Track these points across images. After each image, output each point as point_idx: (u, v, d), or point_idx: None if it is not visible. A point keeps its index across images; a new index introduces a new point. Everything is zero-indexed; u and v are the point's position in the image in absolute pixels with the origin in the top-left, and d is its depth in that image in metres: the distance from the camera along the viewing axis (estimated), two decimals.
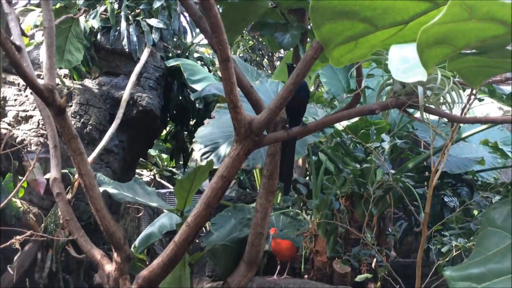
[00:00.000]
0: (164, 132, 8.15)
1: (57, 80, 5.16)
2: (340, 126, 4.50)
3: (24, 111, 5.65)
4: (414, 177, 4.74)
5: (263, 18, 3.84)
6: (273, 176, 3.69)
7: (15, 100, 5.68)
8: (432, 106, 2.39)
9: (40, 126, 5.51)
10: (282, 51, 9.45)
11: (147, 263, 4.45)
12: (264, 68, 11.99)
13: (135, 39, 6.16)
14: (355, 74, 3.52)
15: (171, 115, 7.24)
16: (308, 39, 3.92)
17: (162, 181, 10.57)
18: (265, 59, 12.36)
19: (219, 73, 6.61)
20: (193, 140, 4.88)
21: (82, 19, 5.70)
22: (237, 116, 2.92)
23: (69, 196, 4.55)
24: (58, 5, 5.42)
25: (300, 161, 6.35)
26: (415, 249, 5.46)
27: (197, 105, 7.12)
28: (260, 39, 9.57)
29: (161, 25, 6.38)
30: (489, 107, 5.28)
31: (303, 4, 3.76)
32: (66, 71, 6.01)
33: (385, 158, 4.20)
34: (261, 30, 3.73)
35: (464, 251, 3.56)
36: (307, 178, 6.22)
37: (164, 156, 10.64)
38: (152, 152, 10.11)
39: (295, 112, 3.17)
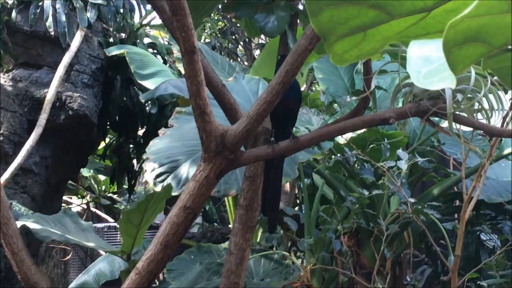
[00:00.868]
0: (103, 144, 8.14)
1: None
2: (342, 139, 4.53)
3: None
4: (440, 207, 4.76)
5: None
6: (253, 206, 3.70)
7: None
8: (464, 114, 2.44)
9: None
10: (263, 36, 9.52)
11: None
12: (239, 59, 12.04)
13: (63, 18, 6.16)
14: (362, 70, 3.54)
15: (112, 122, 7.23)
16: (300, 23, 3.96)
17: (98, 212, 10.54)
18: (240, 46, 12.40)
19: (179, 66, 6.63)
20: (143, 156, 4.89)
21: None
22: (205, 126, 2.94)
23: None
24: None
25: (288, 186, 6.39)
26: None
27: (148, 109, 7.10)
28: (234, 20, 9.64)
29: (99, 0, 6.40)
30: None
31: None
32: None
33: (402, 182, 4.22)
34: (237, 11, 3.75)
35: None
36: (298, 208, 6.27)
37: (102, 177, 10.60)
38: (85, 172, 10.06)
39: (283, 121, 3.19)
